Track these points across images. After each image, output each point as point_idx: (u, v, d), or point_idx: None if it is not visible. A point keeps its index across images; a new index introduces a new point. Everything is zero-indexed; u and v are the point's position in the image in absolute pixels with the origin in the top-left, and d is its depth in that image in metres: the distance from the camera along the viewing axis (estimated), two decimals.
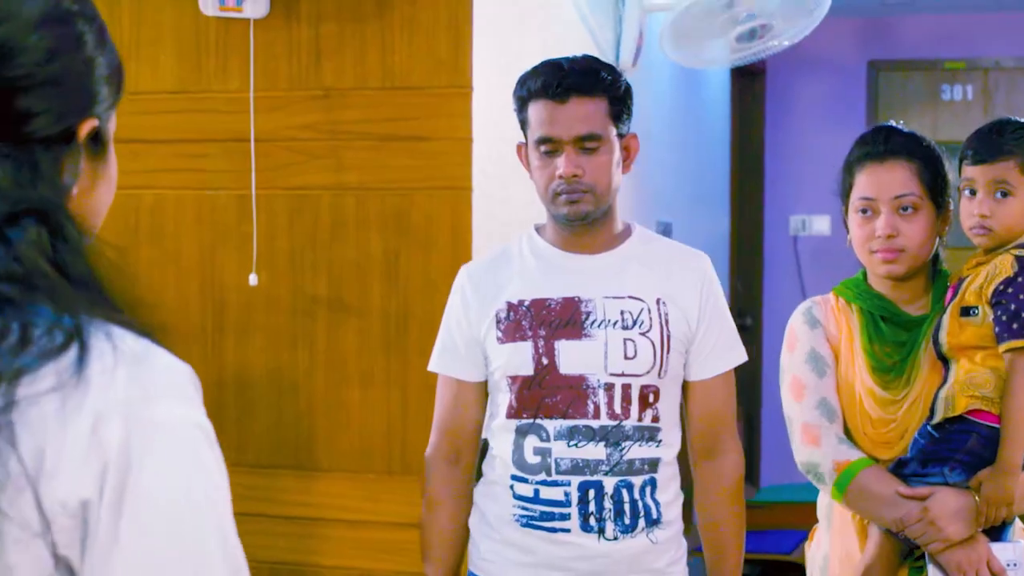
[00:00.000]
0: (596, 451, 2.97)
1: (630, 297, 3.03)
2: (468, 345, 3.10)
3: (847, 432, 3.06)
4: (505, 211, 4.04)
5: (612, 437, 2.97)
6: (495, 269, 3.13)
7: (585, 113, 2.99)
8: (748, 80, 8.30)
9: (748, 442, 7.68)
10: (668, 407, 3.04)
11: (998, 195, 2.97)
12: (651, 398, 3.00)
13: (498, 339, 3.05)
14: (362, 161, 3.96)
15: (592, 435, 2.97)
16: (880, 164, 3.05)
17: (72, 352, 1.22)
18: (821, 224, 8.35)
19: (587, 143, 2.98)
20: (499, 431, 3.08)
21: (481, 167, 3.89)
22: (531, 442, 3.01)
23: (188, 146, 4.09)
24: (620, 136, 3.05)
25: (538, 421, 3.00)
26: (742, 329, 8.01)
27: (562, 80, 2.99)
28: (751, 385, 7.99)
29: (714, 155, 7.63)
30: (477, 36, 3.88)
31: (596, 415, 2.97)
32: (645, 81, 5.69)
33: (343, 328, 3.99)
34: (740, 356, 3.15)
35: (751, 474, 7.81)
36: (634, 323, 3.01)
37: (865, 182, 3.06)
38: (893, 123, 3.17)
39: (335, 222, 3.99)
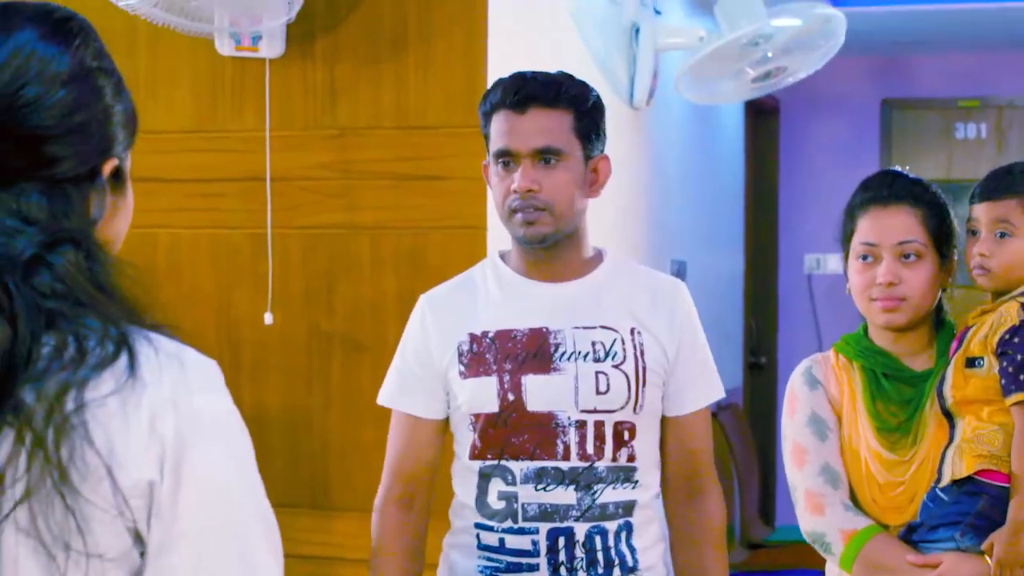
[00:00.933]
0: (566, 495, 2.75)
1: (602, 327, 2.82)
2: (427, 379, 2.88)
3: (853, 498, 2.92)
4: None
5: (583, 480, 2.76)
6: (457, 298, 2.92)
7: (545, 125, 2.78)
8: (762, 119, 8.31)
9: (763, 481, 7.65)
10: (646, 445, 2.84)
11: (998, 235, 2.87)
12: (626, 435, 2.80)
13: (461, 373, 2.82)
14: (377, 200, 3.97)
15: (561, 478, 2.75)
16: (883, 209, 2.94)
17: (123, 358, 1.44)
18: (835, 263, 8.33)
19: (546, 157, 2.77)
20: (462, 473, 2.87)
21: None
22: (496, 486, 2.79)
23: (203, 185, 4.10)
24: (588, 157, 2.83)
25: (503, 463, 2.78)
26: (757, 368, 8.06)
27: (520, 89, 2.79)
28: (766, 423, 7.96)
29: (728, 194, 7.63)
30: (491, 75, 3.89)
31: (566, 456, 2.76)
32: (659, 120, 5.70)
33: (358, 367, 3.99)
34: (719, 391, 2.96)
35: (766, 513, 7.79)
36: (607, 355, 2.79)
37: (867, 227, 2.94)
38: (899, 168, 3.06)
39: (350, 261, 4.00)
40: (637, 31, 5.09)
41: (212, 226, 4.10)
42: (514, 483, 2.77)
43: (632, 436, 2.81)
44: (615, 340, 2.81)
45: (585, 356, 2.79)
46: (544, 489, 2.76)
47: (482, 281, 2.92)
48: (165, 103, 4.12)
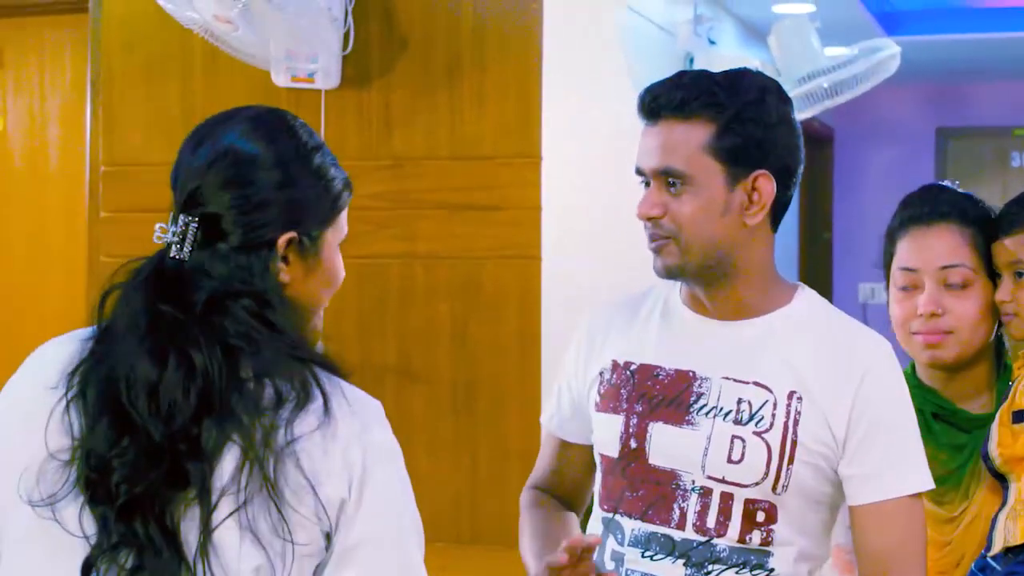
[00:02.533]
0: (673, 570, 2.30)
1: (755, 383, 2.31)
2: (576, 404, 2.51)
3: None
4: (574, 280, 4.04)
5: (696, 557, 2.29)
6: (618, 316, 2.48)
7: (670, 141, 2.28)
8: (816, 147, 8.29)
9: None
10: (794, 532, 2.31)
11: (1016, 276, 2.53)
12: (760, 517, 2.29)
13: (596, 404, 2.43)
14: (431, 230, 3.98)
15: (671, 548, 2.31)
16: (925, 229, 2.59)
17: (319, 400, 1.82)
18: None
19: (669, 180, 2.29)
20: (592, 521, 2.47)
21: (550, 236, 3.89)
22: (610, 543, 2.38)
23: None
24: (737, 178, 2.31)
25: (617, 517, 2.37)
26: None
27: (648, 94, 2.32)
28: None
29: (783, 222, 7.61)
30: (546, 105, 3.90)
31: (680, 525, 2.31)
32: None
33: (411, 395, 3.99)
34: (920, 482, 2.32)
35: None
36: (750, 418, 2.29)
37: (907, 250, 2.60)
38: (947, 183, 2.73)
39: (404, 290, 4.00)
40: (691, 61, 5.09)
41: None
42: (623, 543, 2.36)
43: (771, 519, 2.29)
44: (766, 402, 2.30)
45: (726, 415, 2.31)
46: (651, 558, 2.33)
47: (652, 303, 2.47)
48: None
